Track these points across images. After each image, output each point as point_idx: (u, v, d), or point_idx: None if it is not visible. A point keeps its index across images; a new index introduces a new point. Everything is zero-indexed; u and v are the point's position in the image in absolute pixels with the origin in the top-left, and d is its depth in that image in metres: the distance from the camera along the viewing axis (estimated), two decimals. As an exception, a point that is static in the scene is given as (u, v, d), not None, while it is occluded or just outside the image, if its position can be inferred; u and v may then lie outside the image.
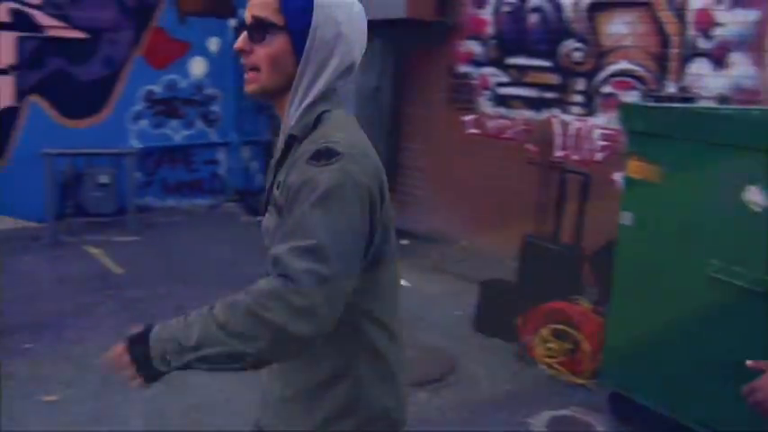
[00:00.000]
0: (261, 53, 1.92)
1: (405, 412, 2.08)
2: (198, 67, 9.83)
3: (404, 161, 8.24)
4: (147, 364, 1.75)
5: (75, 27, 8.75)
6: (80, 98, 8.90)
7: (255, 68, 1.94)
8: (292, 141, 1.93)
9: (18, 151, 8.56)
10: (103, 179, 8.73)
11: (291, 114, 1.94)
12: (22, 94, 8.56)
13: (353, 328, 1.91)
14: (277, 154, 1.99)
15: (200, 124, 10.03)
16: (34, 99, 8.64)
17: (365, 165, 1.83)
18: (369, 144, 1.92)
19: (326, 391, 1.95)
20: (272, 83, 1.94)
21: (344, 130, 1.90)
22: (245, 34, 1.94)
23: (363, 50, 2.01)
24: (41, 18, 8.55)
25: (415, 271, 7.24)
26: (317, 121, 1.91)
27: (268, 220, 1.96)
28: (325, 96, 1.95)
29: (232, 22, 9.94)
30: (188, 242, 8.46)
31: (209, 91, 9.98)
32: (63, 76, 8.75)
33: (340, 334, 1.81)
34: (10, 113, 8.53)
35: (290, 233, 1.73)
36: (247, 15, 1.94)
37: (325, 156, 1.78)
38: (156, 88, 9.51)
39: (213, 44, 9.91)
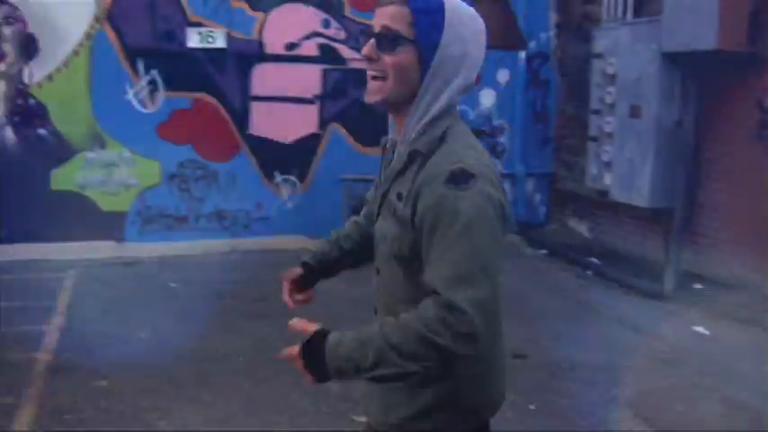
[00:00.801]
0: (388, 62, 1.98)
1: (497, 406, 2.20)
2: (487, 98, 9.91)
3: (704, 201, 7.78)
4: (321, 373, 1.93)
5: (374, 59, 9.15)
6: (374, 126, 9.25)
7: (381, 77, 2.00)
8: (416, 155, 2.00)
9: (318, 176, 9.11)
10: (394, 206, 9.00)
11: (412, 127, 2.01)
12: (324, 122, 9.11)
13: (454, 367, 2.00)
14: (397, 165, 2.05)
15: (487, 155, 10.06)
16: (334, 127, 9.16)
17: (494, 181, 1.94)
18: (487, 154, 2.03)
19: (428, 384, 2.05)
20: (395, 93, 2.00)
21: (471, 147, 1.99)
22: (372, 42, 2.00)
23: (480, 67, 2.07)
24: (344, 51, 9.06)
25: (714, 318, 6.79)
26: (442, 137, 1.98)
27: (384, 227, 2.08)
28: (447, 112, 2.02)
29: (522, 55, 9.95)
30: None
31: (497, 122, 10.03)
32: (360, 105, 9.18)
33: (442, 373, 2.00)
34: (313, 140, 9.10)
35: (445, 262, 1.87)
36: (377, 24, 1.99)
37: (462, 179, 1.88)
38: (447, 118, 9.71)
39: (502, 76, 9.95)
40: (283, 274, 2.47)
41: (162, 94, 8.44)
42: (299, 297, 2.47)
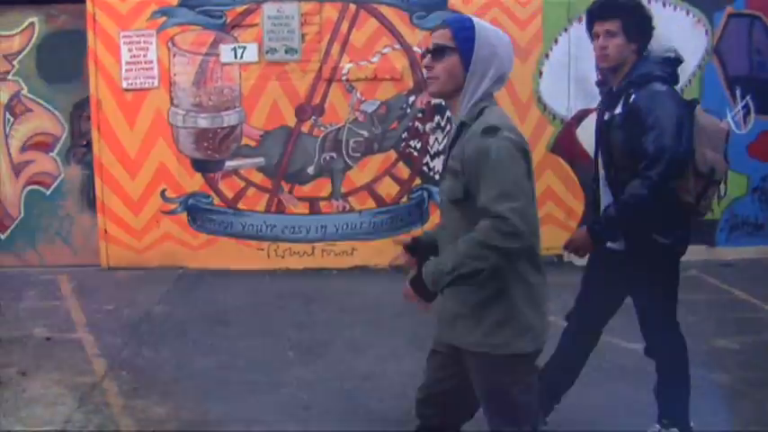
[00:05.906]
0: (440, 67, 2.71)
1: (545, 334, 2.72)
2: None
3: None
4: (426, 292, 2.64)
5: None
6: None
7: (435, 78, 2.73)
8: (462, 127, 2.69)
9: None
10: None
11: (462, 109, 2.72)
12: None
13: (511, 261, 2.58)
14: (450, 138, 2.77)
15: None
16: None
17: (515, 131, 2.59)
18: (513, 124, 2.66)
19: (488, 308, 2.62)
20: (446, 87, 2.73)
21: (500, 117, 2.66)
22: (429, 56, 2.72)
23: (512, 67, 2.76)
24: None
25: None
26: (480, 112, 2.67)
27: (445, 185, 2.74)
28: (485, 98, 2.70)
29: None
30: None
31: None
32: None
33: (502, 266, 2.54)
34: None
35: (487, 188, 2.49)
36: (430, 43, 2.73)
37: (490, 131, 2.56)
38: None
39: None
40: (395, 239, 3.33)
41: (753, 117, 9.60)
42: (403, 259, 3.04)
